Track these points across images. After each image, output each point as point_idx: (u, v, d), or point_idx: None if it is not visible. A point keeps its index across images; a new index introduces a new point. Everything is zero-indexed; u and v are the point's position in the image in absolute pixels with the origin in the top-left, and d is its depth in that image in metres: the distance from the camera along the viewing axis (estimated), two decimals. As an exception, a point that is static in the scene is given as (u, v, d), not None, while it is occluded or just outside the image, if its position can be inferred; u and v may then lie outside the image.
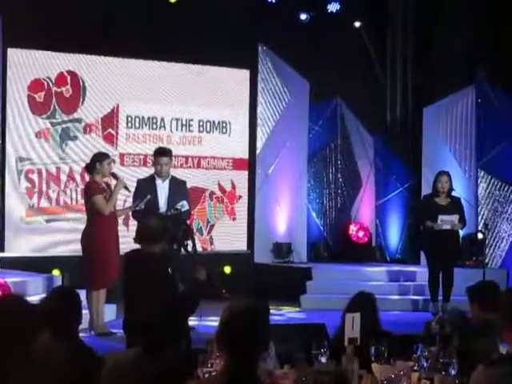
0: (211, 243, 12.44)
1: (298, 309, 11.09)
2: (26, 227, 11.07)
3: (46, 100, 11.22)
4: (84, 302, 7.30)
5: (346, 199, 13.63)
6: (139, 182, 9.19)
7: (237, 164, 12.67)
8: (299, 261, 12.70)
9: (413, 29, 13.53)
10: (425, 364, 4.50)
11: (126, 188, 9.00)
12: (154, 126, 12.03)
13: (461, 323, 5.19)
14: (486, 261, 11.95)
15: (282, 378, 4.36)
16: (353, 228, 13.48)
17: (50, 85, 11.26)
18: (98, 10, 11.39)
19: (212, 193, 12.48)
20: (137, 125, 11.90)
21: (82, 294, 7.52)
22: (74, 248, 9.77)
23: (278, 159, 12.82)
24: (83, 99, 11.49)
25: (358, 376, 4.47)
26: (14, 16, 10.50)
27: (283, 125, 12.85)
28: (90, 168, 8.90)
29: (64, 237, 11.03)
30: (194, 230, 11.19)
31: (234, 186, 12.65)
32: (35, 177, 11.16)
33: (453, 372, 4.31)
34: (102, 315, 8.75)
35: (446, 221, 10.44)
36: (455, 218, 10.50)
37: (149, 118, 11.98)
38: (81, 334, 5.24)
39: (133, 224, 9.35)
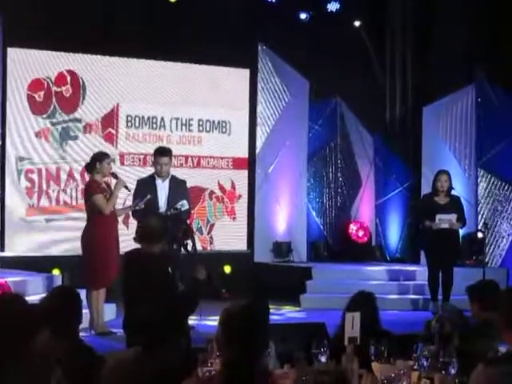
0: (211, 243, 12.45)
1: (297, 308, 11.08)
2: (26, 226, 11.07)
3: (46, 100, 11.23)
4: (84, 302, 7.30)
5: (345, 198, 13.63)
6: (139, 181, 9.19)
7: (237, 163, 12.67)
8: (299, 260, 12.70)
9: (412, 28, 13.52)
10: (425, 363, 4.49)
11: (126, 187, 9.00)
12: (154, 126, 12.03)
13: (459, 321, 5.19)
14: (486, 260, 11.96)
15: (281, 378, 4.34)
16: (353, 227, 13.48)
17: (50, 84, 11.27)
18: (98, 10, 11.40)
19: (212, 192, 12.48)
20: (137, 124, 11.90)
21: (82, 293, 7.51)
22: (74, 247, 9.77)
23: (278, 158, 12.82)
24: (83, 99, 11.49)
25: (358, 375, 4.46)
26: (14, 16, 10.50)
27: (283, 124, 12.84)
28: (90, 167, 8.89)
29: (64, 236, 11.04)
30: (194, 230, 11.18)
31: (233, 186, 12.65)
32: (35, 176, 11.16)
33: (453, 371, 4.30)
34: (102, 315, 8.75)
35: (443, 220, 10.43)
36: (453, 216, 10.48)
37: (149, 118, 11.98)
38: (81, 334, 5.24)
39: (133, 223, 9.35)
